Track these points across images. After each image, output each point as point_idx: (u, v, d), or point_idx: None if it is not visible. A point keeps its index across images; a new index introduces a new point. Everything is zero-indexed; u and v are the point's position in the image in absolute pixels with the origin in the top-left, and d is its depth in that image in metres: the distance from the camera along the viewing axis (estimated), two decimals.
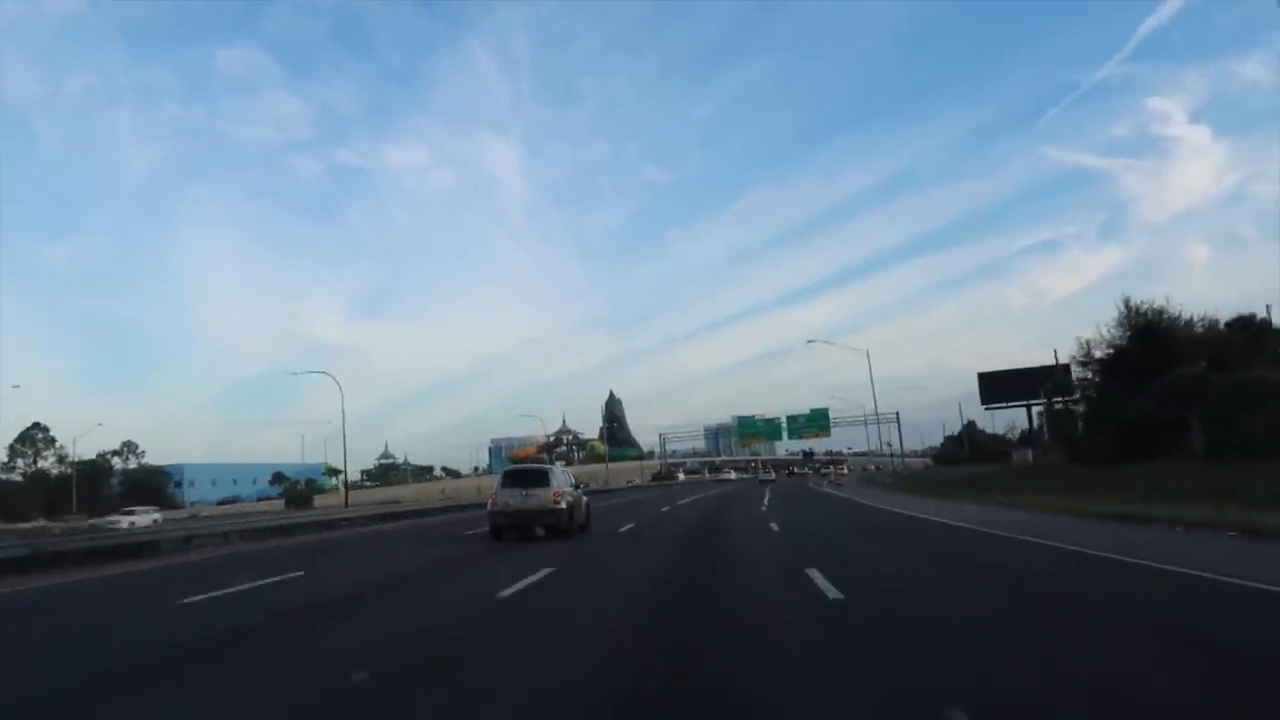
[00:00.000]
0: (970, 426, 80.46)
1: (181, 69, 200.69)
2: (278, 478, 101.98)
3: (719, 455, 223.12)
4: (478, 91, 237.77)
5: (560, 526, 18.77)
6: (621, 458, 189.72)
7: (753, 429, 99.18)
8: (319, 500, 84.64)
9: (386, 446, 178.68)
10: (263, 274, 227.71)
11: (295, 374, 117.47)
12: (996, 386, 74.77)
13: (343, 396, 54.16)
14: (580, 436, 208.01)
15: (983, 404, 75.66)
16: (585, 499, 22.18)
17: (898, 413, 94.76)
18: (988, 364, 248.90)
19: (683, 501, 38.04)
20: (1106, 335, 40.73)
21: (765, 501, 35.24)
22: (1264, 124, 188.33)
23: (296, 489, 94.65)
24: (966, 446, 71.87)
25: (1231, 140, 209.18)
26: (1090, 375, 43.47)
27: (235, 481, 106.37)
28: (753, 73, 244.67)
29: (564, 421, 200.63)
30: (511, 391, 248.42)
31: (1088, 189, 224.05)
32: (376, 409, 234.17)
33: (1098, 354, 41.96)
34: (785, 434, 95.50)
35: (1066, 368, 76.57)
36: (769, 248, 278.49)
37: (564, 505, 18.96)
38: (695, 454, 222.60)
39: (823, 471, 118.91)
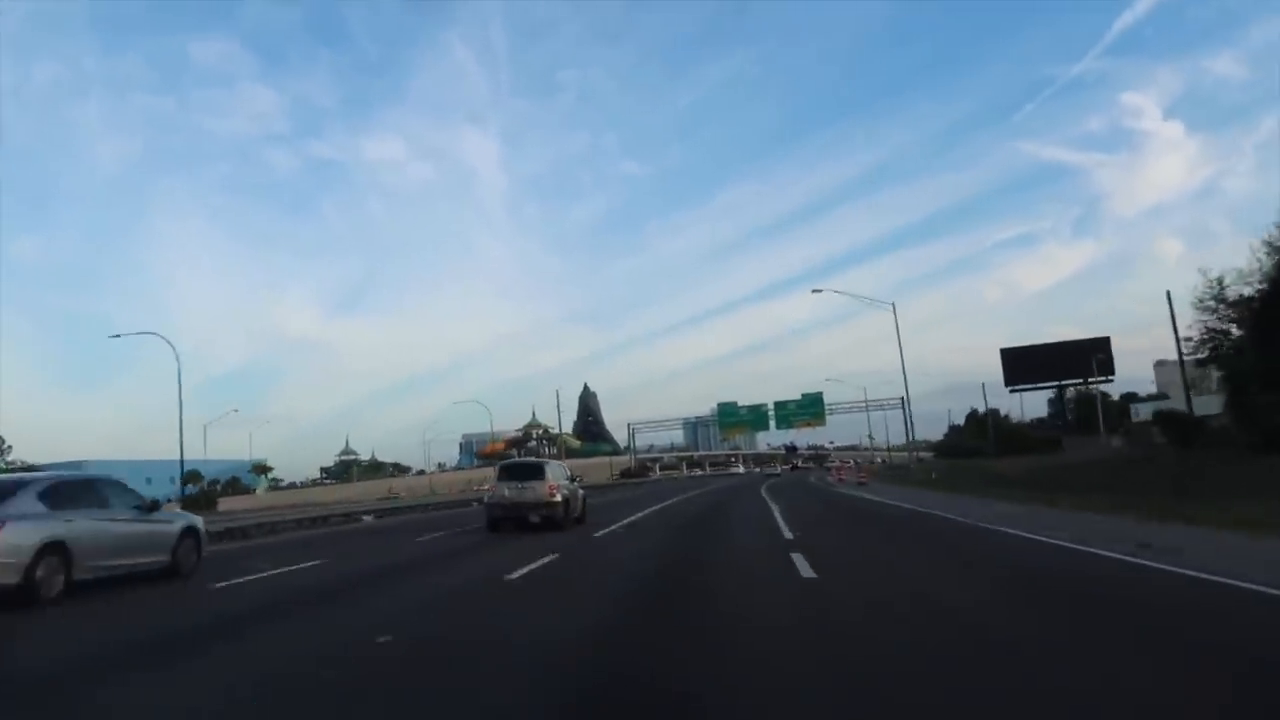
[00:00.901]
0: (994, 414, 69.04)
1: (154, 60, 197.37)
2: (192, 476, 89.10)
3: (698, 450, 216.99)
4: (455, 83, 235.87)
5: (555, 519, 18.78)
6: (594, 453, 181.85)
7: (735, 417, 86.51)
8: (227, 504, 72.66)
9: (348, 442, 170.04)
10: (236, 268, 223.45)
11: (118, 336, 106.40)
12: (1024, 365, 63.45)
13: (179, 365, 42.41)
14: (551, 431, 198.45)
15: (1007, 385, 64.52)
16: (582, 493, 22.16)
17: (903, 397, 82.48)
18: (962, 359, 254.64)
19: (626, 522, 20.99)
20: (1265, 264, 27.10)
21: (781, 522, 18.64)
22: (1236, 120, 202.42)
23: (206, 489, 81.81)
24: (992, 435, 60.21)
25: (1204, 135, 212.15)
26: (1224, 327, 29.90)
27: (150, 481, 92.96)
28: (732, 65, 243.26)
29: (533, 414, 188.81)
30: (489, 386, 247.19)
31: (1062, 183, 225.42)
32: (351, 405, 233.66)
33: (1247, 290, 28.32)
34: (773, 422, 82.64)
35: (1106, 341, 65.94)
36: (748, 241, 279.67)
37: (559, 498, 19.06)
38: (674, 449, 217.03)
39: (827, 465, 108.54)
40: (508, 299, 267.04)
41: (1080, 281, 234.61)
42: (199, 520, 12.96)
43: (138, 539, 11.05)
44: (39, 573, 9.09)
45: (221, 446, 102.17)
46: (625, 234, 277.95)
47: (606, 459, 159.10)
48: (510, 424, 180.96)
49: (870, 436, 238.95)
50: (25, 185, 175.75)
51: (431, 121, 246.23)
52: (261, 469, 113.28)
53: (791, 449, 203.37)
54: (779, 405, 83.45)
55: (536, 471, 19.65)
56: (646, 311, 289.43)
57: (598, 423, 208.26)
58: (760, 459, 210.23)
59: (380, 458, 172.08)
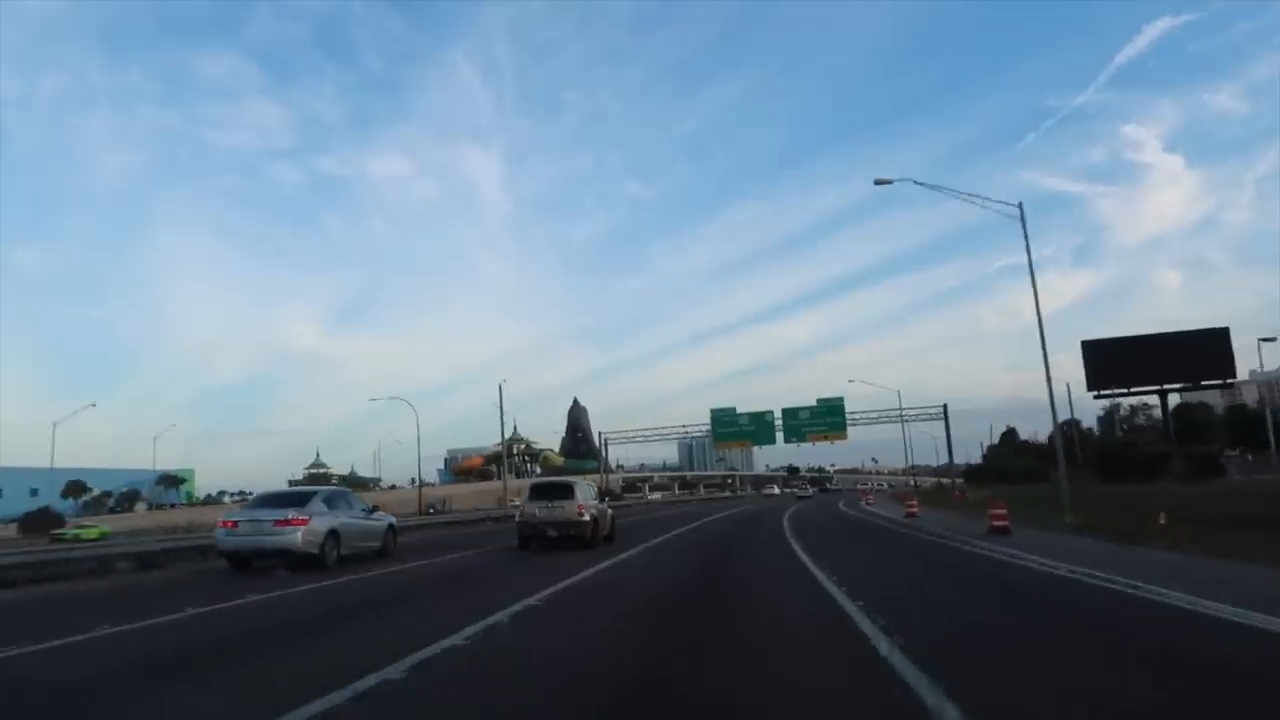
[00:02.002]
0: (1075, 426, 54.24)
1: (160, 73, 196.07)
2: (75, 488, 73.34)
3: (692, 470, 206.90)
4: (460, 101, 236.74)
5: (584, 538, 19.16)
6: (578, 470, 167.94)
7: (733, 428, 70.03)
8: (103, 522, 57.39)
9: (318, 454, 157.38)
10: (239, 282, 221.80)
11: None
12: (1115, 363, 48.60)
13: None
14: (534, 446, 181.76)
15: (1091, 389, 49.55)
16: (610, 512, 22.59)
17: (945, 406, 68.37)
18: (963, 382, 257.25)
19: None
20: None
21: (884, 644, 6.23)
22: (1235, 154, 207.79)
23: (44, 512, 64.73)
24: (1078, 453, 45.24)
25: (1203, 169, 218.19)
26: None
27: (35, 493, 77.74)
28: (737, 89, 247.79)
29: (515, 428, 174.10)
30: (486, 403, 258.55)
31: (1063, 212, 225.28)
32: (351, 420, 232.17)
33: None
34: (780, 434, 66.65)
35: (1225, 333, 51.47)
36: (751, 262, 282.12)
37: (588, 518, 19.51)
38: (666, 468, 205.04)
39: (859, 486, 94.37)
40: (508, 316, 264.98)
41: (1080, 309, 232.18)
42: (394, 519, 20.17)
43: (368, 530, 17.96)
44: (326, 548, 15.77)
45: (206, 456, 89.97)
46: (628, 254, 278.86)
47: (594, 476, 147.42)
48: (486, 439, 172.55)
49: (874, 460, 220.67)
50: (28, 195, 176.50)
51: (436, 139, 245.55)
52: (172, 480, 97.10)
53: (793, 470, 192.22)
54: (789, 414, 68.29)
55: (566, 491, 20.24)
56: (648, 331, 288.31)
57: (587, 439, 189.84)
58: (759, 481, 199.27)
59: (367, 473, 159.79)
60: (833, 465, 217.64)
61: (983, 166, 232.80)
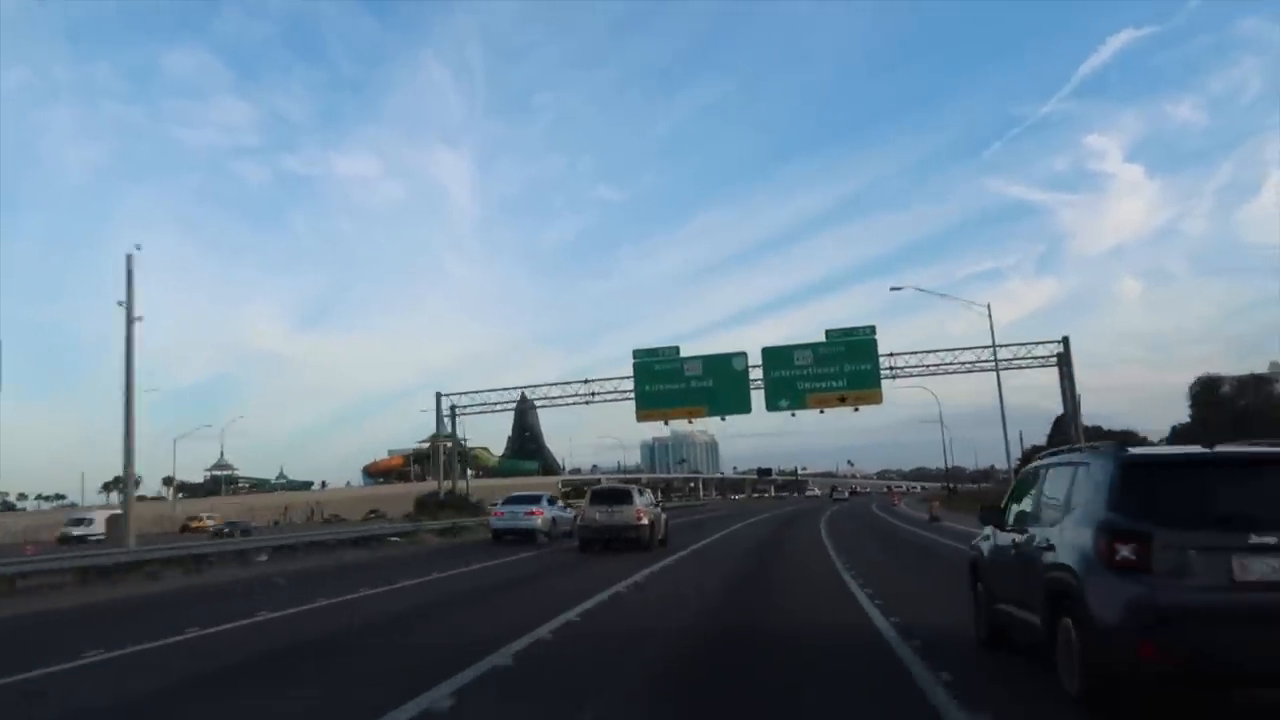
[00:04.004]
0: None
1: (125, 69, 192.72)
2: None
3: (654, 473, 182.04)
4: (431, 103, 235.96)
5: (642, 541, 20.75)
6: (514, 471, 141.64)
7: (671, 385, 42.48)
8: None
9: (222, 454, 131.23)
10: (202, 280, 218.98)
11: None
12: None
13: None
14: (466, 444, 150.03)
15: None
16: (664, 515, 24.31)
17: (1066, 339, 40.44)
18: (934, 386, 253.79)
19: None
20: None
21: None
22: (1195, 165, 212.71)
23: None
24: None
25: (1164, 179, 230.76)
26: None
27: None
28: (710, 94, 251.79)
29: (438, 425, 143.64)
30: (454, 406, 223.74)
31: (1028, 221, 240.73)
32: (311, 423, 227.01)
33: None
34: (761, 395, 41.06)
35: None
36: (722, 267, 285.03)
37: (645, 522, 21.01)
38: (621, 470, 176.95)
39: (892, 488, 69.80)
40: (476, 319, 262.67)
41: (1043, 316, 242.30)
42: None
43: (563, 521, 26.78)
44: (550, 532, 26.07)
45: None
46: (598, 257, 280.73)
47: (538, 479, 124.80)
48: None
49: (850, 463, 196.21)
50: None
51: (405, 140, 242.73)
52: None
53: (764, 472, 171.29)
54: (774, 359, 41.30)
55: (625, 497, 21.75)
56: (617, 335, 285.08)
57: (535, 439, 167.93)
58: (723, 485, 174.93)
59: (308, 475, 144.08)
60: (804, 468, 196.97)
61: (950, 175, 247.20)
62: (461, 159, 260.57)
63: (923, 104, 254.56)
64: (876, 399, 39.98)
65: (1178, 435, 52.30)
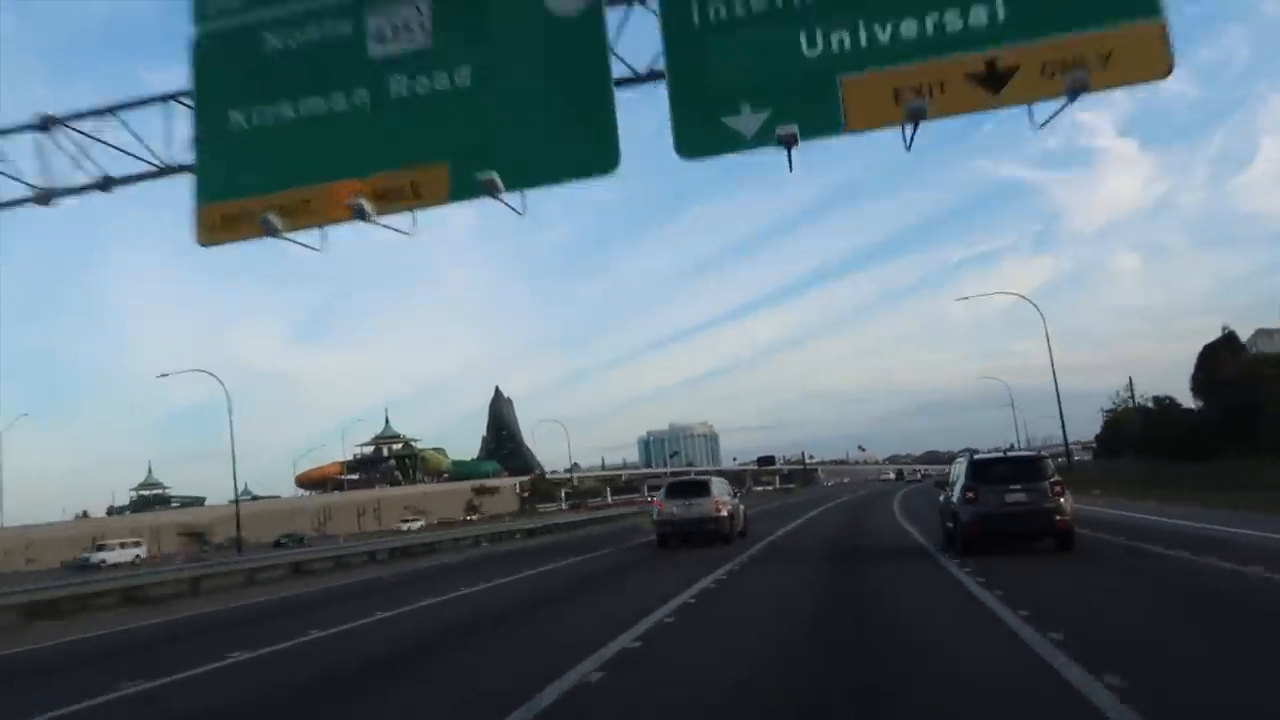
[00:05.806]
0: None
1: (107, 82, 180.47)
2: None
3: (650, 467, 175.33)
4: None
5: (722, 533, 20.18)
6: (473, 473, 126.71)
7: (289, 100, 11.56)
8: None
9: (150, 471, 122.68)
10: (194, 297, 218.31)
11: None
12: None
13: None
14: (415, 445, 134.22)
15: None
16: (742, 507, 23.87)
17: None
18: (935, 375, 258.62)
19: None
20: None
21: None
22: (1187, 136, 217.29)
23: None
24: None
25: (1157, 152, 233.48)
26: None
27: None
28: None
29: (387, 423, 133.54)
30: (453, 415, 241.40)
31: (1022, 200, 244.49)
32: (307, 436, 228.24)
33: None
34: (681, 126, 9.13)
35: None
36: (714, 263, 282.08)
37: (725, 514, 20.47)
38: (626, 466, 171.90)
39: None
40: (470, 326, 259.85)
41: (1040, 296, 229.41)
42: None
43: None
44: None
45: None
46: (590, 257, 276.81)
47: (502, 480, 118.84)
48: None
49: (861, 448, 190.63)
50: None
51: None
52: None
53: (767, 460, 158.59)
54: None
55: (703, 489, 21.26)
56: (612, 336, 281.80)
57: (513, 438, 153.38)
58: (723, 476, 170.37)
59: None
60: (812, 457, 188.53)
61: (945, 155, 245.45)
62: None
63: None
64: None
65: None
